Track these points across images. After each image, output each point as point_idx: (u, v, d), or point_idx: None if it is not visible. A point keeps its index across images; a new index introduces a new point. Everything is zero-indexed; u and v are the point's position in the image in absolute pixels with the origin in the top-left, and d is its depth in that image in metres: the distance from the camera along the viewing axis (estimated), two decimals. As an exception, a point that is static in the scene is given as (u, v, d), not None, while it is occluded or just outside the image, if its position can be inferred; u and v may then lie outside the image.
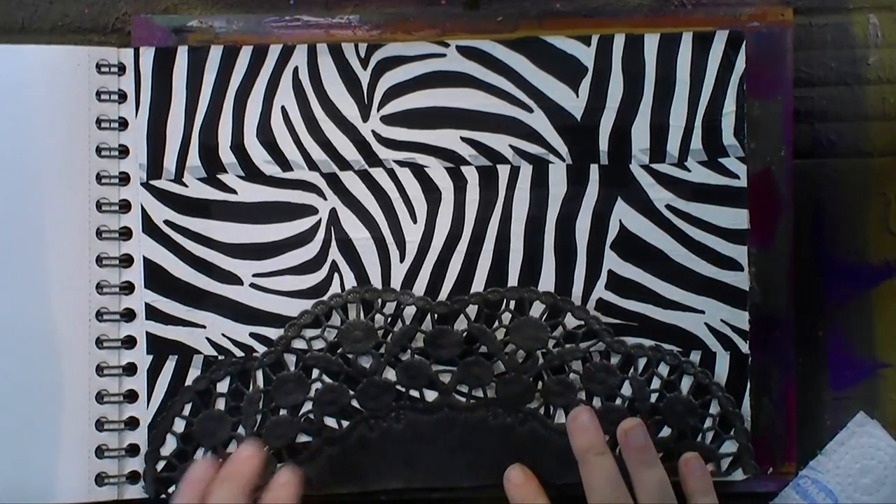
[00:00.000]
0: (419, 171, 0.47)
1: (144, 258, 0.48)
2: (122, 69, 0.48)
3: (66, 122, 0.47)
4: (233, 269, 0.47)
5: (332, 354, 0.47)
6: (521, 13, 0.48)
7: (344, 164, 0.48)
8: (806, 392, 0.49)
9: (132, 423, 0.48)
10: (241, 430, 0.47)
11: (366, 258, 0.47)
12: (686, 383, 0.47)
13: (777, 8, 0.48)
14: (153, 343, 0.47)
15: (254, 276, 0.47)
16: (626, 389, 0.47)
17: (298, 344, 0.47)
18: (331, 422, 0.47)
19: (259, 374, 0.47)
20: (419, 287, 0.47)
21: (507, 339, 0.47)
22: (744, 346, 0.47)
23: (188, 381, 0.47)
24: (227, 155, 0.47)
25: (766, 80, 0.48)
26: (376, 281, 0.47)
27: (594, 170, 0.47)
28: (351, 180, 0.48)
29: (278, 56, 0.47)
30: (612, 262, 0.47)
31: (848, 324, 0.49)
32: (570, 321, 0.47)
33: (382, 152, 0.48)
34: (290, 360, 0.47)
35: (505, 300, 0.47)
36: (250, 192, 0.48)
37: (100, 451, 0.47)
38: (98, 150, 0.47)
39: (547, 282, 0.47)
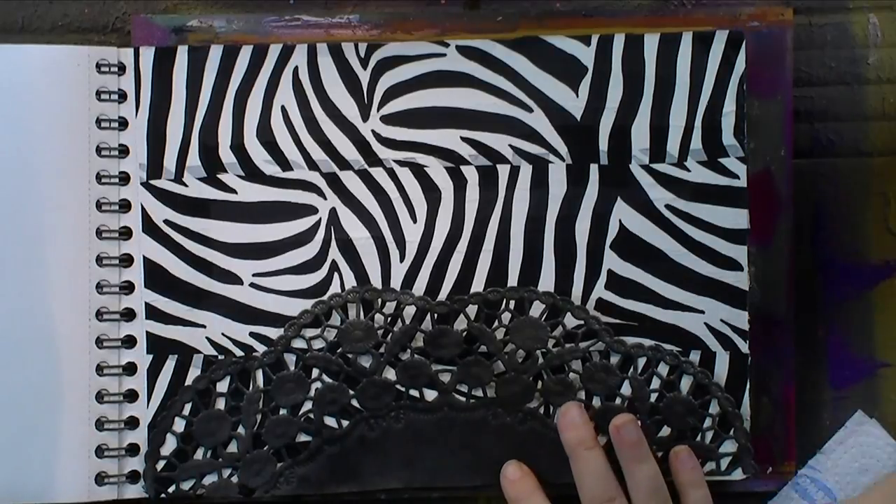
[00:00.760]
0: (419, 171, 0.47)
1: (144, 258, 0.48)
2: (121, 69, 0.48)
3: (66, 122, 0.47)
4: (233, 268, 0.47)
5: (332, 354, 0.47)
6: (521, 13, 0.48)
7: (344, 164, 0.48)
8: (805, 391, 0.49)
9: (132, 423, 0.48)
10: (241, 429, 0.47)
11: (366, 258, 0.47)
12: (686, 383, 0.47)
13: (777, 8, 0.48)
14: (153, 343, 0.47)
15: (254, 275, 0.47)
16: (626, 389, 0.47)
17: (298, 343, 0.47)
18: (331, 421, 0.47)
19: (259, 374, 0.47)
20: (419, 287, 0.47)
21: (507, 339, 0.47)
22: (743, 346, 0.47)
23: (188, 381, 0.47)
24: (227, 155, 0.47)
25: (766, 80, 0.48)
26: (376, 281, 0.47)
27: (594, 170, 0.47)
28: (351, 180, 0.48)
29: (278, 56, 0.47)
30: (611, 261, 0.47)
31: (847, 323, 0.49)
32: (570, 321, 0.47)
33: (382, 152, 0.48)
34: (290, 359, 0.47)
35: (505, 300, 0.47)
36: (250, 192, 0.48)
37: (100, 451, 0.47)
38: (98, 150, 0.47)
39: (547, 282, 0.47)
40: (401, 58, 0.47)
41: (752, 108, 0.48)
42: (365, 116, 0.48)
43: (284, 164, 0.48)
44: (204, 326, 0.47)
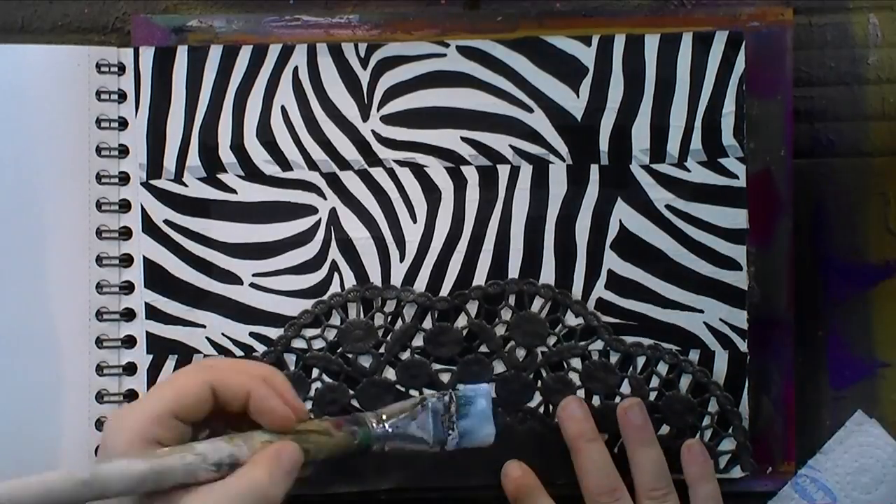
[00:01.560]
0: (419, 171, 0.47)
1: (144, 258, 0.48)
2: (121, 69, 0.48)
3: (66, 122, 0.47)
4: (233, 268, 0.47)
5: (332, 354, 0.47)
6: (521, 13, 0.48)
7: (344, 164, 0.48)
8: (805, 391, 0.49)
9: (132, 423, 0.48)
10: (241, 429, 0.47)
11: (366, 258, 0.47)
12: (685, 382, 0.47)
13: (777, 8, 0.48)
14: (153, 343, 0.47)
15: (254, 275, 0.47)
16: (626, 388, 0.47)
17: (298, 343, 0.47)
18: (331, 421, 0.47)
19: (259, 374, 0.47)
20: (419, 287, 0.47)
21: (507, 336, 0.47)
22: (742, 345, 0.47)
23: (188, 381, 0.47)
24: (226, 155, 0.47)
25: (766, 80, 0.48)
26: (376, 281, 0.47)
27: (594, 170, 0.47)
28: (351, 180, 0.48)
29: (278, 56, 0.47)
30: (611, 261, 0.47)
31: (847, 323, 0.49)
32: (570, 319, 0.47)
33: (382, 152, 0.48)
34: (290, 359, 0.47)
35: (505, 295, 0.47)
36: (250, 192, 0.48)
37: (100, 451, 0.47)
38: (98, 150, 0.47)
39: (547, 281, 0.47)
40: (401, 58, 0.47)
41: (752, 108, 0.48)
42: (365, 116, 0.48)
43: (284, 164, 0.48)
44: (204, 326, 0.47)
